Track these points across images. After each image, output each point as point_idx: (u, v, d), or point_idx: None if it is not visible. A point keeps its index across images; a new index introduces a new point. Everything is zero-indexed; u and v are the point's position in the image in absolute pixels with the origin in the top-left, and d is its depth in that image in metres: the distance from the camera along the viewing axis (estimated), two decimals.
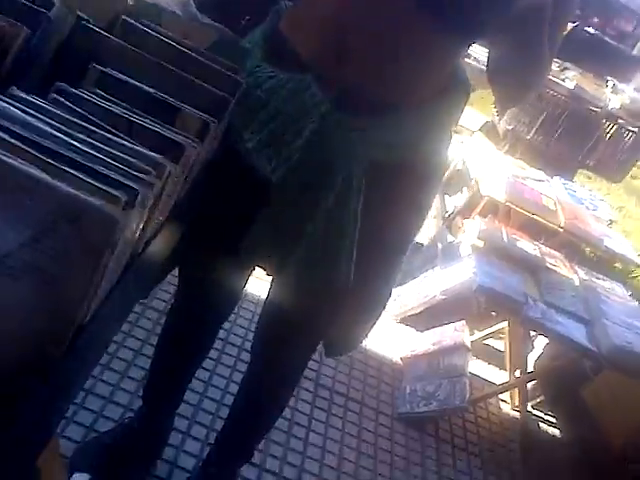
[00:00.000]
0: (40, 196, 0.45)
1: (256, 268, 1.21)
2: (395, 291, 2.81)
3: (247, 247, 1.01)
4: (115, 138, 0.59)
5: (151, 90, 0.69)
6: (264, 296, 1.25)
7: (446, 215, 3.28)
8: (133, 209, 0.50)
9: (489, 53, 1.01)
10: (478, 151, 3.03)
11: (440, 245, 2.99)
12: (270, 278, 1.18)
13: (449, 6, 0.85)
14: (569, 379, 2.33)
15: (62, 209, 0.45)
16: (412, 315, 2.65)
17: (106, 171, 0.51)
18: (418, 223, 1.10)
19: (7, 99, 0.53)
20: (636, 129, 3.03)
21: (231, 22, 0.93)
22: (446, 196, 3.60)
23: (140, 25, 0.77)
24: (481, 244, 2.37)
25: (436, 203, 3.72)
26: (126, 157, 0.56)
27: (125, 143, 0.59)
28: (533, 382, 2.40)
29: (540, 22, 0.92)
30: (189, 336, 1.37)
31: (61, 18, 0.69)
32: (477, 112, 3.88)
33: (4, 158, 0.43)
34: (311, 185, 0.96)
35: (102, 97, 0.65)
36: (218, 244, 1.06)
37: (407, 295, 2.72)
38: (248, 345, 2.04)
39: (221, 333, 1.80)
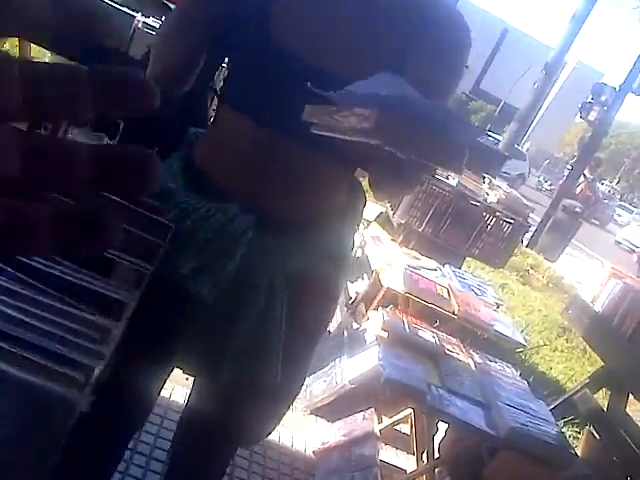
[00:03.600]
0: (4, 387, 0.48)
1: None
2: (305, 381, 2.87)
3: (174, 354, 1.06)
4: (60, 305, 0.63)
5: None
6: (174, 400, 1.27)
7: (350, 302, 3.41)
8: (88, 386, 0.54)
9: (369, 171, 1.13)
10: (375, 241, 3.22)
11: (346, 333, 3.09)
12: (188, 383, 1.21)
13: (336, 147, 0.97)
14: (471, 462, 2.44)
15: (27, 399, 0.48)
16: (322, 406, 2.70)
17: (59, 349, 0.55)
18: (329, 319, 1.23)
19: None
20: (512, 220, 3.34)
21: None
22: (348, 282, 3.75)
23: None
24: (385, 334, 2.49)
25: None
26: (74, 327, 0.60)
27: (70, 310, 0.63)
28: (439, 468, 2.49)
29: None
30: (99, 448, 1.33)
31: None
32: (372, 203, 4.14)
33: None
34: (238, 300, 1.05)
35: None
36: (145, 351, 1.08)
37: (316, 385, 2.77)
38: (158, 454, 1.99)
39: None
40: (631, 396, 3.29)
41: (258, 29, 0.98)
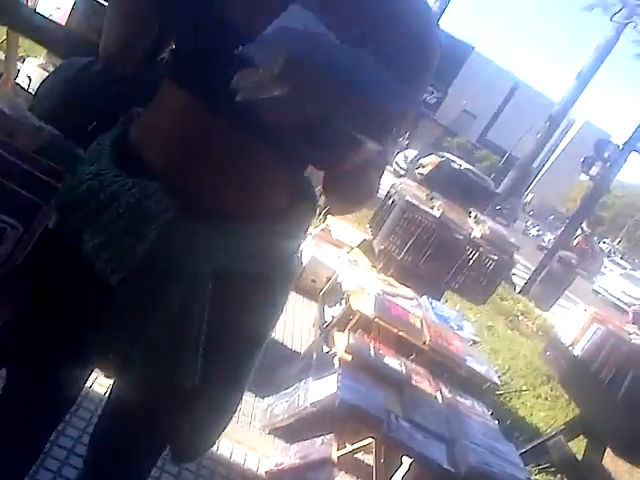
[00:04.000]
0: None
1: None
2: (266, 401, 2.79)
3: (89, 345, 0.98)
4: None
5: None
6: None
7: (323, 325, 3.35)
8: None
9: (325, 173, 1.05)
10: (353, 267, 3.17)
11: (315, 355, 3.02)
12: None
13: (286, 139, 0.87)
14: None
15: None
16: (281, 426, 2.61)
17: None
18: (267, 328, 1.12)
19: None
20: (496, 257, 3.30)
21: (74, 130, 0.96)
22: (325, 307, 3.69)
23: None
24: (349, 357, 2.42)
25: (315, 313, 3.81)
26: None
27: None
28: None
29: (372, 167, 0.96)
30: (16, 438, 1.25)
31: None
32: (356, 230, 4.11)
33: None
34: (153, 290, 0.96)
35: None
36: (58, 340, 1.03)
37: (278, 405, 2.69)
38: (79, 448, 1.91)
39: None
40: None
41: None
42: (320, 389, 2.53)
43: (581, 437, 3.45)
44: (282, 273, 1.08)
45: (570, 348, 3.16)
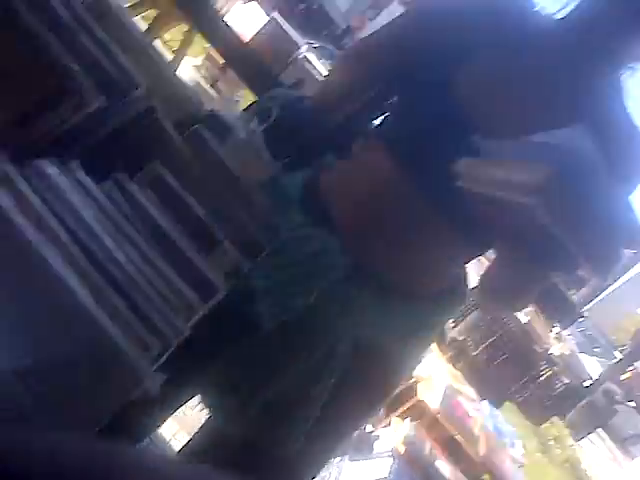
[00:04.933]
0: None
1: None
2: None
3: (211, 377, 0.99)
4: (158, 262, 0.50)
5: (200, 214, 0.62)
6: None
7: None
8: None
9: (490, 267, 1.05)
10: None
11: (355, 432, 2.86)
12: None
13: (467, 218, 0.90)
14: None
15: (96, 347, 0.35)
16: None
17: (145, 307, 0.42)
18: (374, 413, 1.15)
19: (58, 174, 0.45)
20: (568, 380, 3.12)
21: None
22: None
23: (207, 139, 0.72)
24: (403, 449, 2.28)
25: None
26: (165, 290, 0.47)
27: (166, 272, 0.50)
28: None
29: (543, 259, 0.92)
30: None
31: (136, 101, 0.63)
32: None
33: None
34: (296, 343, 0.96)
35: (153, 203, 0.57)
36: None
37: None
38: None
39: None
40: None
41: (441, 80, 0.95)
42: (360, 473, 2.37)
43: None
44: (406, 360, 1.06)
45: None
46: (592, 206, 0.66)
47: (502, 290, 1.03)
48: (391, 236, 0.95)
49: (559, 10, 0.99)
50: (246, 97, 3.01)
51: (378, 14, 6.91)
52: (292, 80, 2.18)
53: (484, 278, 1.03)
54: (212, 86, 3.83)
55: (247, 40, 2.16)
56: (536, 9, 1.02)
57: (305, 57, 2.53)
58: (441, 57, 0.96)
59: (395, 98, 1.08)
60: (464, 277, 1.08)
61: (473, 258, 1.07)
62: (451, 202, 0.88)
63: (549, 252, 0.79)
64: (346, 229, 0.95)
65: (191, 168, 0.65)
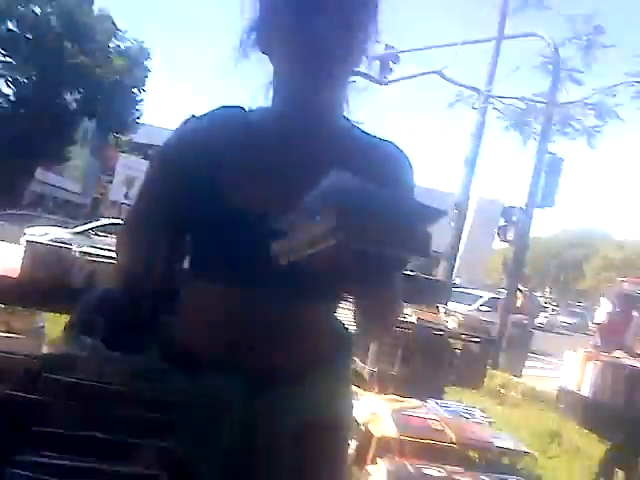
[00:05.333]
0: None
1: None
2: None
3: None
4: None
5: None
6: None
7: None
8: None
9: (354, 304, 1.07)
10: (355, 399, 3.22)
11: None
12: None
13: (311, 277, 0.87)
14: None
15: None
16: None
17: None
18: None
19: None
20: (478, 339, 3.48)
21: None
22: None
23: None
24: None
25: None
26: None
27: None
28: None
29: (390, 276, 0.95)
30: None
31: None
32: None
33: None
34: (240, 471, 1.00)
35: None
36: None
37: None
38: None
39: None
40: None
41: (211, 193, 1.00)
42: None
43: None
44: (345, 423, 1.13)
45: (578, 391, 3.29)
46: (384, 214, 0.72)
47: (373, 315, 1.05)
48: (258, 339, 1.00)
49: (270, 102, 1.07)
50: None
51: None
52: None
53: (354, 317, 1.07)
54: None
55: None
56: (246, 109, 1.09)
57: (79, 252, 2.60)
58: (199, 182, 1.00)
59: (187, 233, 1.09)
60: (341, 329, 1.14)
61: (336, 308, 1.12)
62: (291, 283, 0.92)
63: (379, 266, 0.80)
64: (220, 359, 0.99)
65: None
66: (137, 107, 29.77)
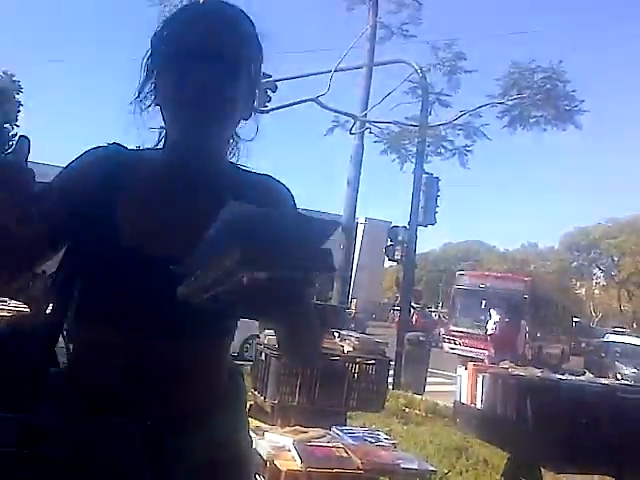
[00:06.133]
0: None
1: None
2: None
3: None
4: None
5: None
6: None
7: None
8: None
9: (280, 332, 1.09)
10: (256, 433, 3.10)
11: None
12: None
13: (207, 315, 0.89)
14: None
15: None
16: None
17: None
18: None
19: None
20: (374, 361, 3.48)
21: None
22: None
23: None
24: None
25: None
26: None
27: None
28: None
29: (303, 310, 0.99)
30: None
31: None
32: None
33: None
34: None
35: None
36: None
37: None
38: None
39: None
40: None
41: (103, 235, 1.00)
42: None
43: None
44: (244, 460, 1.13)
45: (472, 405, 3.37)
46: (285, 236, 0.72)
47: (295, 338, 1.06)
48: (157, 384, 1.00)
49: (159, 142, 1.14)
50: None
51: None
52: None
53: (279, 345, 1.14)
54: None
55: None
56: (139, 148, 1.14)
57: None
58: (92, 216, 1.00)
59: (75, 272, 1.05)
60: (234, 367, 1.15)
61: (229, 344, 1.12)
62: (189, 323, 0.96)
63: (288, 289, 0.81)
64: (115, 406, 0.98)
65: None
66: (10, 143, 27.95)
